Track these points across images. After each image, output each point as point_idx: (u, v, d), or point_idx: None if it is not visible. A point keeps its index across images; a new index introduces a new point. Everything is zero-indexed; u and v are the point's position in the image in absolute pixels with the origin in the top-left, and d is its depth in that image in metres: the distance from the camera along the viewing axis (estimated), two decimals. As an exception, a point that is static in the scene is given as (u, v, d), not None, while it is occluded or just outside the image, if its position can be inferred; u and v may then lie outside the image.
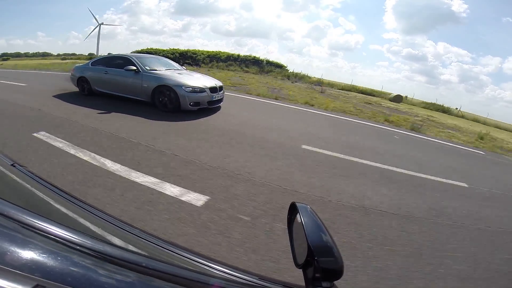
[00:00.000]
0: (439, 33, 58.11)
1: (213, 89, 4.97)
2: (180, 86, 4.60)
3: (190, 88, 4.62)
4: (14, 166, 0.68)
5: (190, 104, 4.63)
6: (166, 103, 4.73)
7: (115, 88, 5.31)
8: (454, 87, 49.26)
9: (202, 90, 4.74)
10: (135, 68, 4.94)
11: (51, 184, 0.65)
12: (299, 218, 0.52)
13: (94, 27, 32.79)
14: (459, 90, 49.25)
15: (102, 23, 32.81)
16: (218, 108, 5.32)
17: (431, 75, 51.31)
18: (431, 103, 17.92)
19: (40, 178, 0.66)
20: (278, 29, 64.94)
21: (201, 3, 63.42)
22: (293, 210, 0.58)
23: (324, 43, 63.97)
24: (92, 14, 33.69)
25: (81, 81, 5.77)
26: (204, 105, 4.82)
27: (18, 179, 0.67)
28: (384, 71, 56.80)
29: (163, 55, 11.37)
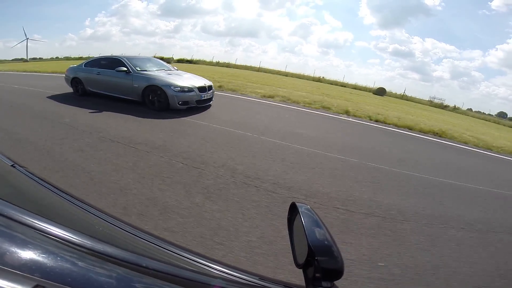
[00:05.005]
0: (413, 26, 58.44)
1: (202, 89, 5.11)
2: (169, 86, 4.79)
3: (179, 88, 4.80)
4: (14, 167, 0.68)
5: (179, 103, 4.80)
6: (155, 102, 4.91)
7: (107, 88, 5.54)
8: (448, 84, 49.18)
9: (190, 89, 4.91)
10: (125, 69, 5.15)
11: (51, 185, 0.64)
12: (299, 218, 0.51)
13: (21, 40, 42.02)
14: (453, 87, 49.15)
15: (28, 38, 42.42)
16: (208, 107, 5.41)
17: (423, 72, 51.39)
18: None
19: (40, 179, 0.66)
20: (266, 28, 65.52)
21: (183, 5, 64.04)
22: (293, 210, 0.58)
23: (313, 40, 64.27)
24: (24, 31, 43.30)
25: (75, 82, 5.99)
26: (193, 104, 5.00)
27: (18, 180, 0.67)
28: (378, 68, 57.01)
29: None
